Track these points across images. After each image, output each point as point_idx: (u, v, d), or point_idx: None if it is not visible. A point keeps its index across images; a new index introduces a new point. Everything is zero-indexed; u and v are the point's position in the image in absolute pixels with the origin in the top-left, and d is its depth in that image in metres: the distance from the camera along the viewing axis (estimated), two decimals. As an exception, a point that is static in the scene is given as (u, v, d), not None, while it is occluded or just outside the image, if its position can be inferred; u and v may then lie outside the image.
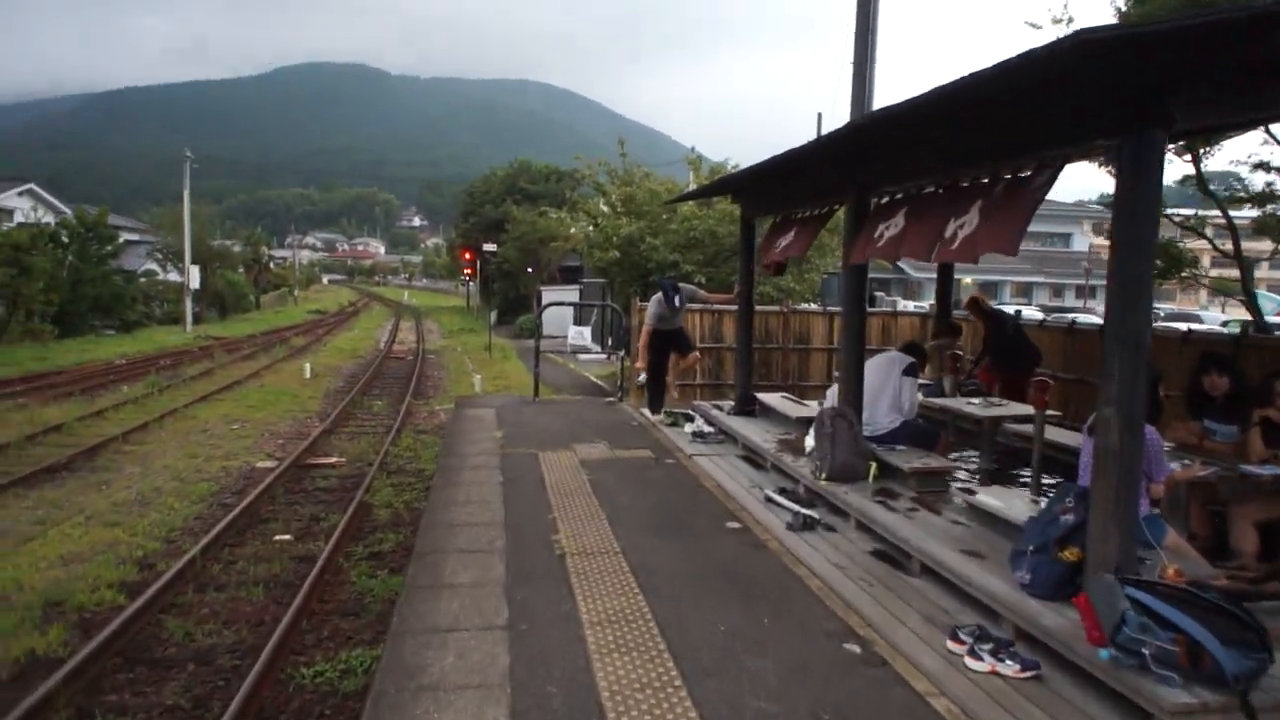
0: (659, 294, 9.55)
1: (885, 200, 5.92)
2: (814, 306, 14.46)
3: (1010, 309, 29.69)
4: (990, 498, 5.04)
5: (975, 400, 6.80)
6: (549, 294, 30.43)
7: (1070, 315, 27.60)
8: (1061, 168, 4.05)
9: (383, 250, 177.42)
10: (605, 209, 18.50)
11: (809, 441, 6.50)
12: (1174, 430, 5.39)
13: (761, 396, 9.34)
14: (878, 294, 15.09)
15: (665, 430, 9.33)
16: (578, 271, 31.29)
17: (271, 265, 61.06)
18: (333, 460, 10.61)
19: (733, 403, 9.60)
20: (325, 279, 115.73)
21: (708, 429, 8.96)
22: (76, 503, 8.40)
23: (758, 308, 10.58)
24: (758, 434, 8.13)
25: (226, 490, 9.13)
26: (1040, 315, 27.32)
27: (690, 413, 9.77)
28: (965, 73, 4.02)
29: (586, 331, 12.60)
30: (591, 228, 19.32)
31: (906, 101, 4.31)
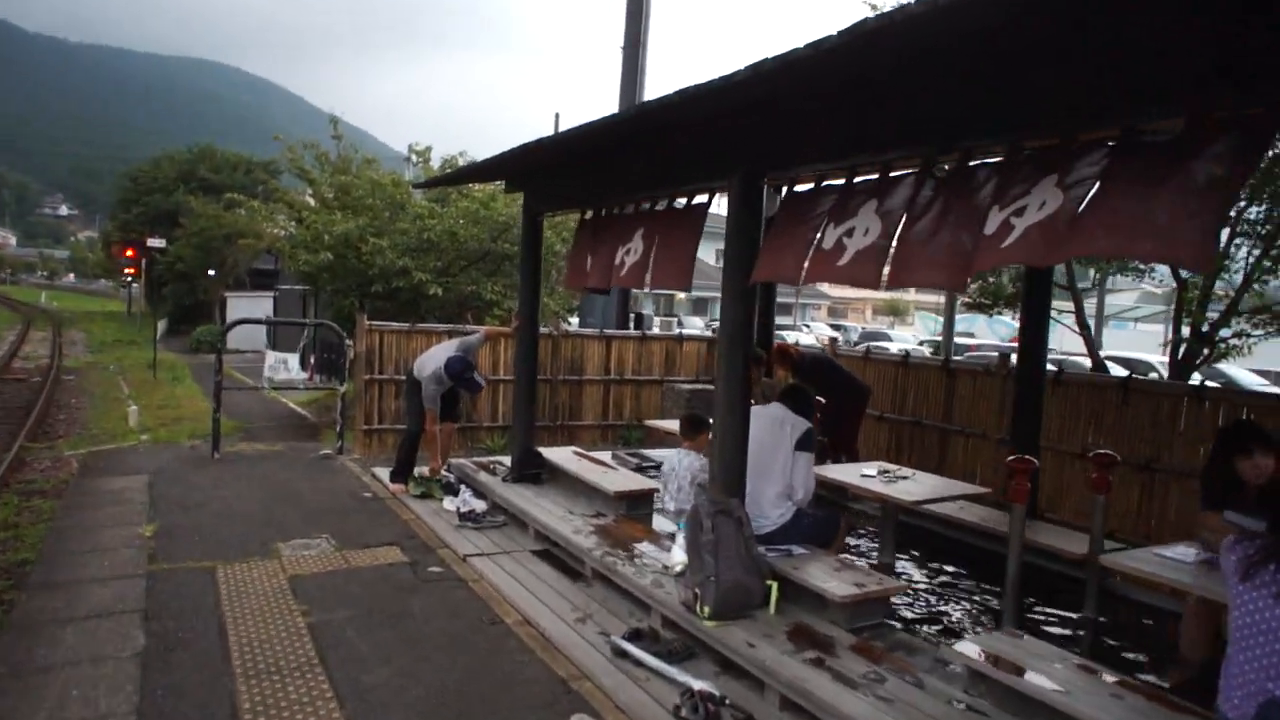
0: (442, 371, 6.78)
1: (811, 189, 3.91)
2: (577, 327, 12.43)
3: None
4: (997, 656, 3.17)
5: (870, 470, 5.07)
6: (236, 302, 25.57)
7: (789, 335, 28.40)
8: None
9: (14, 241, 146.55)
10: (313, 202, 14.97)
11: (677, 553, 4.30)
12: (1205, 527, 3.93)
13: (548, 454, 7.00)
14: (643, 313, 13.42)
15: (414, 506, 6.63)
16: (273, 276, 26.58)
17: None
18: None
19: (508, 462, 7.15)
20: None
21: (478, 504, 6.43)
22: None
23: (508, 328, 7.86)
24: (558, 516, 5.79)
25: None
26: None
27: (448, 477, 7.15)
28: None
29: (293, 361, 9.28)
30: (295, 224, 15.63)
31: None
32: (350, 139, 15.25)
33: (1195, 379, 6.83)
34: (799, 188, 4.00)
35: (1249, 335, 6.83)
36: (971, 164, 3.08)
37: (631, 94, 12.43)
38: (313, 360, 16.34)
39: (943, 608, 4.97)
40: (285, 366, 8.91)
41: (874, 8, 7.74)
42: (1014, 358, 7.34)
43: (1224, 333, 6.84)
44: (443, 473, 7.21)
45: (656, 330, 14.79)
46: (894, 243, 3.23)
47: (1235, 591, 2.51)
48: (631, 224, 5.20)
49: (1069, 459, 6.21)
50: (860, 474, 5.09)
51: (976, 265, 2.84)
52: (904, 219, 3.21)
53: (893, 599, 4.49)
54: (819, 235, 3.60)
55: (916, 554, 5.69)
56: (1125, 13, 2.58)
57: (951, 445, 7.33)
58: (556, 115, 24.59)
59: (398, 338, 9.00)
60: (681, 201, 4.89)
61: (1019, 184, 2.76)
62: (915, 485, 4.93)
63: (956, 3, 2.31)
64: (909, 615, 4.79)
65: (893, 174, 3.41)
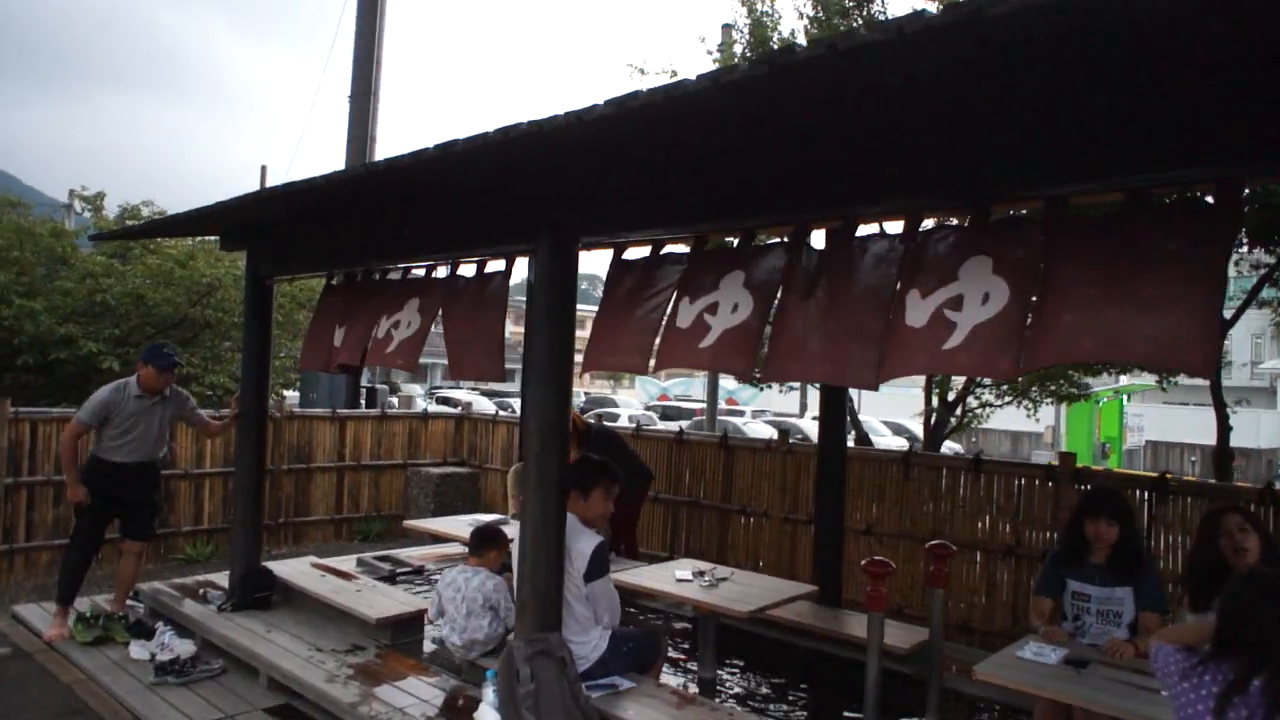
0: (130, 381, 5.12)
1: (648, 256, 3.29)
2: (298, 405, 10.82)
3: (452, 394, 28.01)
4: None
5: (684, 573, 4.47)
6: None
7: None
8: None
9: None
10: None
11: (487, 713, 3.35)
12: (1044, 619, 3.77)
13: (279, 569, 5.63)
14: (379, 386, 12.06)
15: (84, 660, 4.89)
16: None
17: None
18: None
19: (224, 583, 5.62)
20: None
21: (183, 646, 4.87)
22: None
23: (226, 412, 6.29)
24: (301, 656, 4.51)
25: None
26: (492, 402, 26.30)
27: (136, 610, 5.46)
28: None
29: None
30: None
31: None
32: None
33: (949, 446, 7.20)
34: (632, 254, 3.40)
35: (992, 405, 7.41)
36: (863, 234, 2.67)
37: (362, 147, 11.35)
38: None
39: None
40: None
41: (641, 72, 7.56)
42: (793, 435, 7.32)
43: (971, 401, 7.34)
44: (128, 605, 5.51)
45: (394, 402, 13.42)
46: (769, 324, 2.71)
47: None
48: (406, 293, 4.24)
49: (855, 536, 6.14)
50: (675, 577, 4.49)
51: (897, 366, 2.37)
52: (782, 294, 2.70)
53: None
54: (671, 312, 3.00)
55: (738, 662, 5.10)
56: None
57: (732, 526, 7.04)
58: (263, 168, 22.33)
59: (59, 427, 6.98)
60: (471, 269, 4.05)
61: (936, 265, 2.36)
62: (739, 588, 4.41)
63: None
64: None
65: (764, 240, 2.92)
